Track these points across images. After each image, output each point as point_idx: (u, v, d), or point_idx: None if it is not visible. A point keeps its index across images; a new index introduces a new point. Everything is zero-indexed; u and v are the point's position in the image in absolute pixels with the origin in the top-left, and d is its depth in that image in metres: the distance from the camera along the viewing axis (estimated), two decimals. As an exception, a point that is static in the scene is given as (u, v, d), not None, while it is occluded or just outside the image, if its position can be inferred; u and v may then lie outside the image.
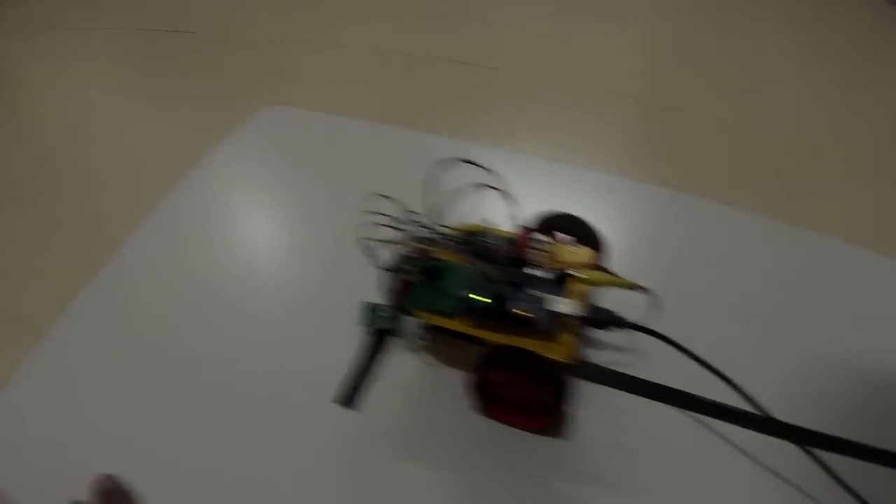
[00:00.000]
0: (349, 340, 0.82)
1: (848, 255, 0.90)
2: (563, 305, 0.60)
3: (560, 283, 0.62)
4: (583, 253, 0.65)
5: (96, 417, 0.81)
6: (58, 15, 1.85)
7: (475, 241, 0.64)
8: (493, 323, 0.61)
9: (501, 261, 0.62)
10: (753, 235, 0.90)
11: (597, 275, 0.64)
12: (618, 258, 0.76)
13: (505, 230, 0.66)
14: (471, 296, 0.61)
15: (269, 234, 1.00)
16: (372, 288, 0.81)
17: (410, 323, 0.75)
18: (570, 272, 0.62)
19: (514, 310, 0.60)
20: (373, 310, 0.75)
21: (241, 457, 0.75)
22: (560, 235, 0.69)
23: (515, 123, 1.22)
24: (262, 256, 0.98)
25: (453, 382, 0.73)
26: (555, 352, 0.59)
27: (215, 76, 1.42)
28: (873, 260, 0.89)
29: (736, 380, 0.62)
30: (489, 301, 0.61)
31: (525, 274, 0.62)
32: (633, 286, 0.63)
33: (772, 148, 1.16)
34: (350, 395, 0.71)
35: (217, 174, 1.11)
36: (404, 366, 0.75)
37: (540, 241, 0.64)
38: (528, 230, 0.64)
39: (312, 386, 0.77)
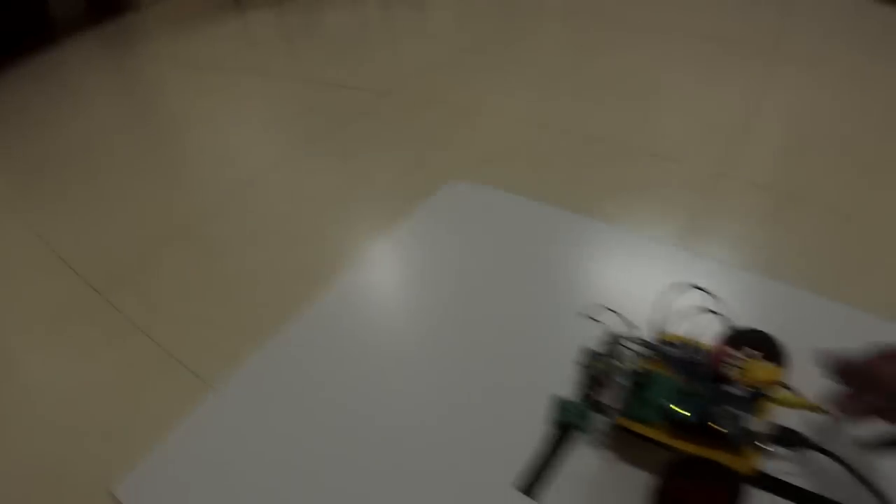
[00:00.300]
0: (532, 428, 0.85)
1: None
2: (757, 424, 0.65)
3: (752, 401, 0.66)
4: (771, 370, 0.68)
5: (259, 479, 0.81)
6: (243, 58, 1.97)
7: (679, 355, 0.69)
8: (688, 434, 0.66)
9: (701, 374, 0.67)
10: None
11: (787, 397, 0.69)
12: (798, 374, 0.77)
13: (702, 342, 0.72)
14: (672, 407, 0.67)
15: (453, 311, 1.03)
16: (556, 376, 0.85)
17: (597, 420, 0.79)
18: (763, 392, 0.66)
19: (711, 424, 0.64)
20: (564, 405, 0.79)
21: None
22: (748, 349, 0.72)
23: (695, 219, 1.25)
24: (445, 330, 1.00)
25: (633, 483, 0.75)
26: (740, 465, 0.63)
27: (401, 143, 1.49)
28: None
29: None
30: (689, 415, 0.66)
31: (722, 390, 0.67)
32: (817, 409, 0.67)
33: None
34: (532, 484, 0.74)
35: (404, 245, 1.16)
36: (587, 461, 0.77)
37: (734, 357, 0.68)
38: (724, 346, 0.69)
39: (493, 469, 0.78)
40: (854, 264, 1.12)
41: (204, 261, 1.21)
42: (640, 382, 0.71)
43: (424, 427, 0.86)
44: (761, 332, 0.78)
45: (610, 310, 0.78)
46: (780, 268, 1.10)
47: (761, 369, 0.68)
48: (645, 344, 0.73)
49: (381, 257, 1.12)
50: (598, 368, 0.76)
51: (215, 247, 1.23)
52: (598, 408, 0.77)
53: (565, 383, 0.85)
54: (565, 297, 1.02)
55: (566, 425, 0.79)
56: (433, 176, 1.35)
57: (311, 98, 1.71)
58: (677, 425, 0.67)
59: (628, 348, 0.75)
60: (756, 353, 0.72)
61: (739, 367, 0.68)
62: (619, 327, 0.78)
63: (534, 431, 0.83)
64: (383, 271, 1.10)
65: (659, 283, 0.95)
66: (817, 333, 0.86)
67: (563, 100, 1.61)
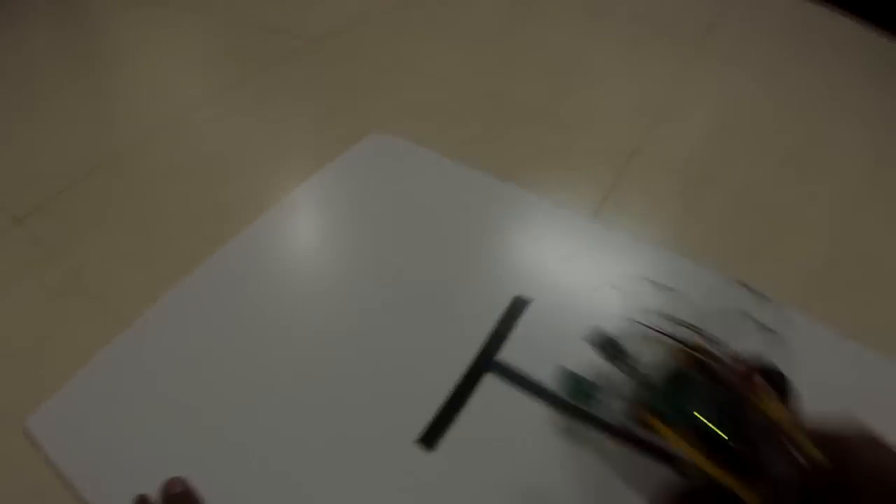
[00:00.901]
0: (439, 383, 0.82)
1: None
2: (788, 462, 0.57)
3: (776, 437, 0.59)
4: (790, 414, 0.62)
5: (169, 414, 0.81)
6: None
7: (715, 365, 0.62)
8: (710, 452, 0.58)
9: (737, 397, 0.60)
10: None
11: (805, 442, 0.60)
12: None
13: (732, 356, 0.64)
14: (707, 423, 0.59)
15: (362, 262, 1.02)
16: (460, 334, 0.82)
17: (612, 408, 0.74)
18: (787, 434, 0.59)
19: (740, 449, 0.57)
20: (577, 382, 0.75)
21: (309, 467, 0.75)
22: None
23: (606, 193, 1.27)
24: (354, 280, 0.99)
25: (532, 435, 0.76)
26: (752, 498, 0.56)
27: (327, 90, 1.47)
28: None
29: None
30: (720, 432, 0.58)
31: (762, 422, 0.59)
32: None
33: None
34: (432, 435, 0.70)
35: (319, 194, 1.13)
36: (489, 414, 0.79)
37: (762, 388, 0.62)
38: (754, 371, 0.62)
39: (397, 422, 0.79)
40: (755, 248, 1.14)
41: (125, 195, 1.18)
42: (676, 380, 0.63)
43: (331, 375, 0.86)
44: (782, 373, 0.70)
45: (666, 288, 0.73)
46: (683, 245, 1.11)
47: (781, 409, 0.61)
48: (693, 334, 0.65)
49: (296, 204, 1.09)
50: (627, 349, 0.69)
51: (137, 181, 1.21)
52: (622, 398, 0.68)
53: (469, 342, 0.83)
54: (476, 259, 1.01)
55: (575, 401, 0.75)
56: (355, 126, 1.34)
57: (245, 39, 1.68)
58: (706, 438, 0.58)
59: (671, 336, 0.66)
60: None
61: (765, 400, 0.61)
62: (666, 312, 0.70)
63: (440, 386, 0.82)
64: (297, 219, 1.07)
65: (567, 254, 0.98)
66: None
67: (491, 64, 1.60)
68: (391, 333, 0.88)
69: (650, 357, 0.66)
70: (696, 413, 0.59)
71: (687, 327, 0.66)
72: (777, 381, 0.66)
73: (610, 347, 0.72)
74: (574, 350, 0.80)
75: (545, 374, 0.82)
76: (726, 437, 0.57)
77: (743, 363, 0.63)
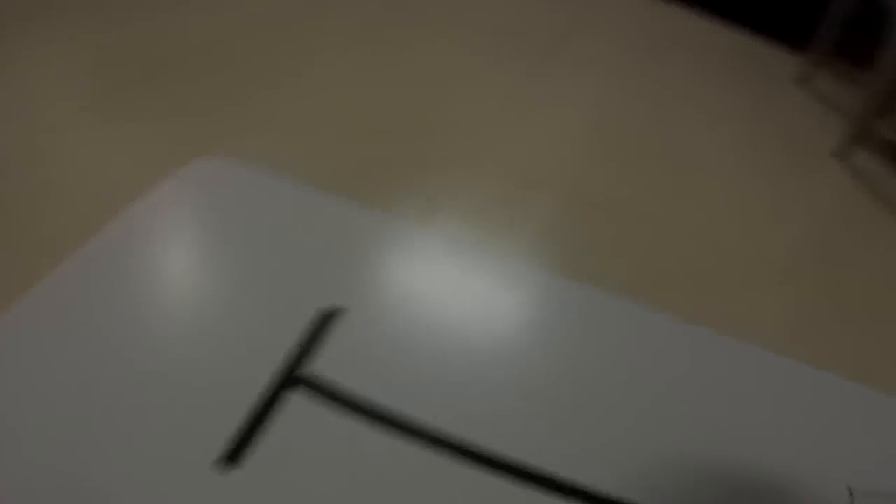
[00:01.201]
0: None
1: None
2: None
3: None
4: None
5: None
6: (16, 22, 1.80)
7: None
8: None
9: None
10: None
11: None
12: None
13: None
14: None
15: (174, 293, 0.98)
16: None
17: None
18: None
19: None
20: None
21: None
22: None
23: (435, 198, 1.28)
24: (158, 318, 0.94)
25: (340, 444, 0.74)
26: None
27: (174, 109, 1.42)
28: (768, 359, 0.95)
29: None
30: None
31: None
32: None
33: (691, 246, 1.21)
34: (236, 451, 0.70)
35: (137, 227, 1.08)
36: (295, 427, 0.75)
37: None
38: None
39: (198, 442, 0.75)
40: (587, 246, 1.19)
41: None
42: None
43: (128, 403, 0.81)
44: None
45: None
46: (510, 245, 1.15)
47: None
48: None
49: (114, 235, 1.05)
50: None
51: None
52: None
53: (276, 358, 0.82)
54: (284, 273, 0.96)
55: None
56: (197, 146, 1.30)
57: (111, 53, 1.61)
58: None
59: None
60: None
61: None
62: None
63: (244, 404, 0.79)
64: (111, 253, 1.03)
65: (382, 263, 0.97)
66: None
67: (356, 77, 1.60)
68: (191, 356, 0.86)
69: None
70: None
71: None
72: None
73: None
74: (386, 360, 0.80)
75: (358, 387, 0.79)
76: None
77: None
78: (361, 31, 1.89)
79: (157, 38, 1.64)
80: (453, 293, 0.93)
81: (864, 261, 1.43)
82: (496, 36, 1.96)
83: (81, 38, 1.64)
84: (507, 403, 0.79)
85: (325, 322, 0.88)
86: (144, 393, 0.83)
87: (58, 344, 0.90)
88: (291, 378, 0.81)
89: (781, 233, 1.43)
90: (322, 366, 0.82)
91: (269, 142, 1.30)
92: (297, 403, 0.78)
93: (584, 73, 1.86)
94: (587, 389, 0.85)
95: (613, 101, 1.75)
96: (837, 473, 0.79)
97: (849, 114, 1.99)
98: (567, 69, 1.86)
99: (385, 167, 1.28)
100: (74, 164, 1.23)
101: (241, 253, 1.01)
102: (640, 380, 0.87)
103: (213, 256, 1.04)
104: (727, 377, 0.92)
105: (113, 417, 0.80)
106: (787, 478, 0.79)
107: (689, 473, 0.78)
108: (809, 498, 0.76)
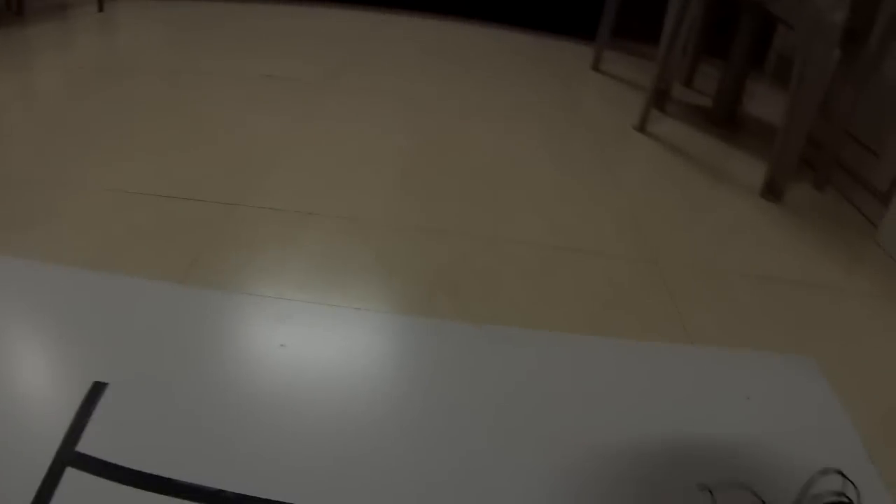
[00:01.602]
0: None
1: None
2: None
3: None
4: None
5: None
6: None
7: None
8: None
9: None
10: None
11: None
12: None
13: None
14: None
15: None
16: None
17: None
18: None
19: None
20: None
21: None
22: None
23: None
24: None
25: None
26: None
27: None
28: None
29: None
30: None
31: None
32: None
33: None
34: None
35: None
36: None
37: None
38: None
39: None
40: (359, 269, 1.12)
41: None
42: None
43: None
44: None
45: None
46: (281, 285, 1.06)
47: None
48: None
49: None
50: None
51: None
52: None
53: (49, 437, 0.76)
54: (50, 351, 0.91)
55: None
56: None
57: None
58: None
59: None
60: None
61: None
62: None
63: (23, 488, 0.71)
64: None
65: (146, 327, 0.94)
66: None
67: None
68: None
69: None
70: None
71: None
72: None
73: None
74: (154, 427, 0.78)
75: (130, 458, 0.75)
76: None
77: None
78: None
79: None
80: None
81: (683, 220, 1.41)
82: (267, 84, 1.85)
83: None
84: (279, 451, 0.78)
85: (95, 394, 0.83)
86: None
87: None
88: (69, 455, 0.75)
89: (601, 210, 1.39)
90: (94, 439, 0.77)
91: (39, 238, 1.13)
92: (73, 480, 0.73)
93: (354, 101, 1.79)
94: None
95: (414, 124, 1.71)
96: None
97: (643, 88, 1.98)
98: (331, 104, 1.77)
99: (124, 240, 1.14)
100: None
101: (17, 338, 0.93)
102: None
103: None
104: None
105: None
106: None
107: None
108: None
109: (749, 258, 1.26)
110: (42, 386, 0.85)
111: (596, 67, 2.33)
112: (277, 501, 0.71)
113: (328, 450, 0.78)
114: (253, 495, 0.72)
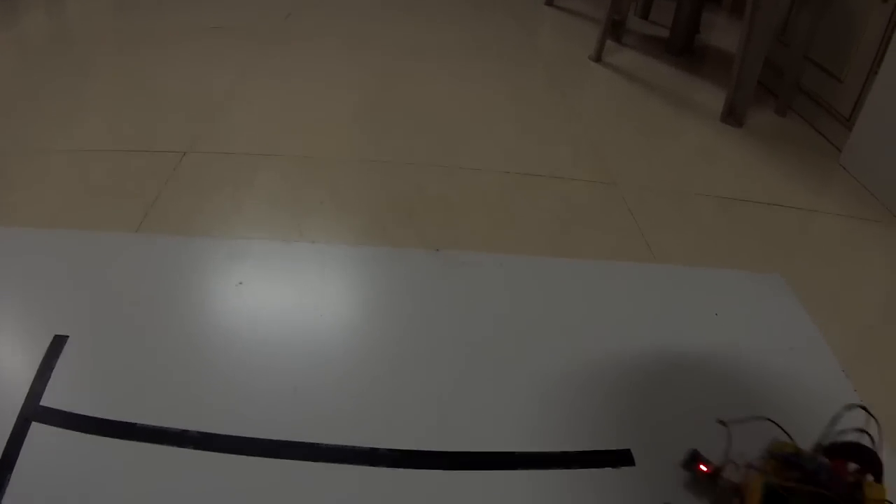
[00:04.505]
0: None
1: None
2: None
3: None
4: (882, 489, 0.62)
5: None
6: None
7: (812, 469, 0.61)
8: None
9: (839, 495, 0.59)
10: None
11: None
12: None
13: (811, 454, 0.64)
14: None
15: None
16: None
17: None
18: None
19: None
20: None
21: None
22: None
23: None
24: None
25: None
26: None
27: None
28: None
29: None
30: None
31: None
32: None
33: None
34: None
35: None
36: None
37: (855, 475, 0.61)
38: (843, 462, 0.62)
39: None
40: (312, 207, 1.07)
41: None
42: (775, 499, 0.60)
43: None
44: (859, 444, 0.67)
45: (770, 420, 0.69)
46: (238, 227, 1.02)
47: (875, 488, 0.61)
48: (776, 455, 0.63)
49: None
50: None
51: None
52: None
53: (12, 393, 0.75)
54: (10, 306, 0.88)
55: None
56: None
57: None
58: None
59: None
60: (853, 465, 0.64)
61: (860, 486, 0.60)
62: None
63: None
64: None
65: (100, 278, 0.91)
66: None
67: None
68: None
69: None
70: None
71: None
72: (867, 458, 0.66)
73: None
74: (117, 376, 0.77)
75: (94, 408, 0.74)
76: None
77: (837, 460, 0.63)
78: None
79: None
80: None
81: (643, 145, 1.36)
82: (217, 37, 1.77)
83: None
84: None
85: (56, 349, 0.82)
86: None
87: None
88: (33, 410, 0.74)
89: (558, 138, 1.35)
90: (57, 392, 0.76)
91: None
92: (40, 434, 0.72)
93: (309, 46, 1.72)
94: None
95: (367, 64, 1.66)
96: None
97: (598, 21, 1.92)
98: (283, 50, 1.71)
99: (75, 196, 1.09)
100: None
101: None
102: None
103: None
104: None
105: None
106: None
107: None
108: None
109: (712, 181, 1.21)
110: (3, 343, 0.83)
111: (549, 2, 2.26)
112: (241, 437, 0.70)
113: (290, 383, 0.76)
114: (218, 433, 0.70)
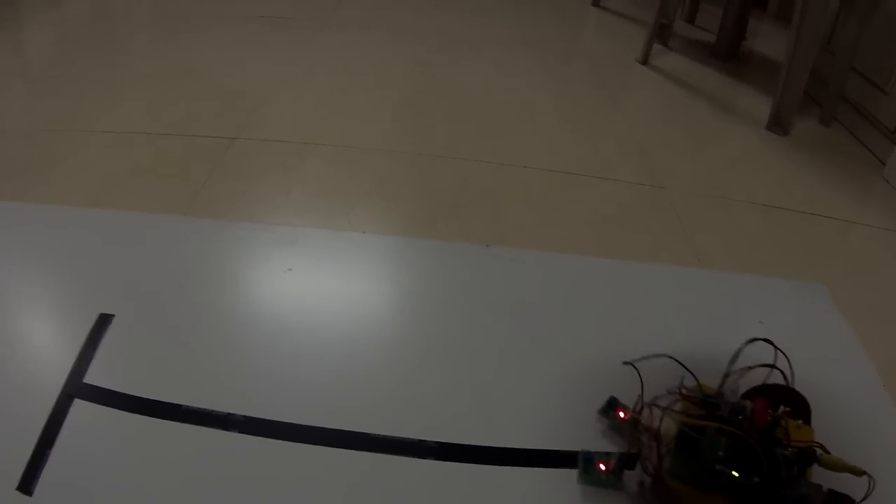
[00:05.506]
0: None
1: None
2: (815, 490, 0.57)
3: (804, 464, 0.59)
4: (809, 431, 0.63)
5: None
6: None
7: (728, 410, 0.61)
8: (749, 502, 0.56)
9: (754, 434, 0.58)
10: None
11: (833, 459, 0.60)
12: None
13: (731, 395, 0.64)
14: (735, 473, 0.57)
15: None
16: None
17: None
18: (811, 455, 0.59)
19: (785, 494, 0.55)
20: (589, 462, 0.66)
21: None
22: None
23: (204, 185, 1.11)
24: None
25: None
26: None
27: None
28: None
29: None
30: (756, 480, 0.56)
31: (777, 454, 0.58)
32: (859, 471, 0.59)
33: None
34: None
35: None
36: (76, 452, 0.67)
37: (775, 416, 0.61)
38: (765, 403, 0.61)
39: None
40: (356, 198, 1.09)
41: None
42: (688, 441, 0.60)
43: None
44: (789, 388, 0.69)
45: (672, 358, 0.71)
46: (282, 214, 1.04)
47: (800, 429, 0.62)
48: (691, 397, 0.64)
49: None
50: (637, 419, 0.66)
51: None
52: (633, 464, 0.64)
53: (56, 369, 0.76)
54: (59, 285, 0.88)
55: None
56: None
57: None
58: (736, 491, 0.56)
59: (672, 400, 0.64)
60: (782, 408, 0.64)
61: (782, 427, 0.60)
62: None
63: (32, 421, 0.70)
64: None
65: (150, 260, 0.92)
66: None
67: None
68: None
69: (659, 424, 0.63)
70: (717, 467, 0.57)
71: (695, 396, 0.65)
72: (794, 399, 0.68)
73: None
74: (162, 356, 0.78)
75: (138, 387, 0.74)
76: (756, 480, 0.56)
77: (759, 400, 0.62)
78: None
79: None
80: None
81: (689, 149, 1.37)
82: (260, 24, 1.81)
83: None
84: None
85: (101, 327, 0.82)
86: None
87: None
88: (76, 387, 0.75)
89: (605, 138, 1.36)
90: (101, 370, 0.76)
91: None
92: (82, 411, 0.72)
93: (354, 35, 1.75)
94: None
95: (412, 57, 1.68)
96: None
97: (644, 23, 1.94)
98: (333, 37, 1.73)
99: (123, 180, 1.11)
100: None
101: (25, 277, 0.90)
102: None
103: (1, 283, 0.89)
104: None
105: None
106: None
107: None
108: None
109: (756, 188, 1.23)
110: (48, 321, 0.84)
111: (596, 3, 2.27)
112: (287, 423, 0.70)
113: (337, 371, 0.77)
114: (263, 417, 0.71)
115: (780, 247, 1.07)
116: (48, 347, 0.80)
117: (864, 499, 0.58)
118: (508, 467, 0.67)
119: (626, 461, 0.64)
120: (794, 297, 0.96)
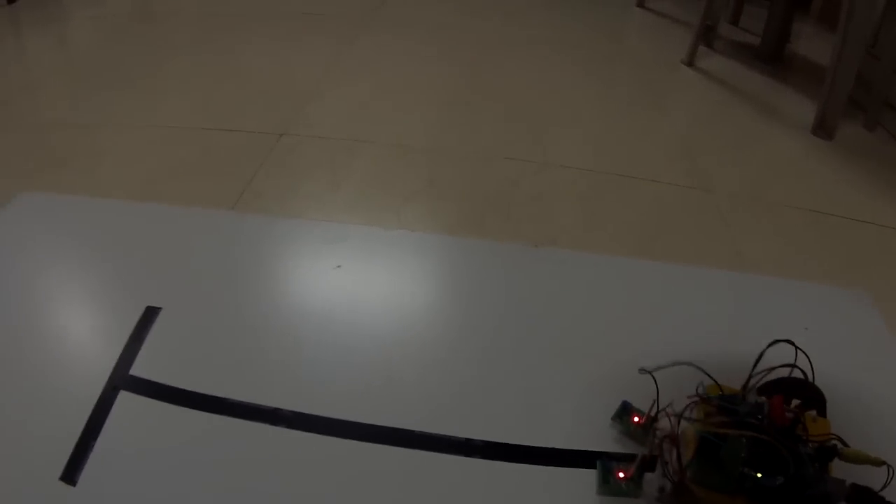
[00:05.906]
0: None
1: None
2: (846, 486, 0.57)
3: (825, 459, 0.59)
4: (826, 423, 0.63)
5: None
6: None
7: (745, 411, 0.60)
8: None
9: (775, 435, 0.58)
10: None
11: (854, 452, 0.61)
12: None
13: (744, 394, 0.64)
14: (759, 475, 0.57)
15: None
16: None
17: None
18: (831, 449, 0.59)
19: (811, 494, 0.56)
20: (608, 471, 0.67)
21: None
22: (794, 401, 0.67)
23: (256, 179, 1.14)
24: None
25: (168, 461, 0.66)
26: None
27: None
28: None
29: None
30: (781, 480, 0.57)
31: (799, 451, 0.58)
32: (879, 462, 0.60)
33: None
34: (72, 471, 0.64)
35: None
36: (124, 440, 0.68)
37: (792, 411, 0.61)
38: (780, 400, 0.60)
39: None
40: (406, 195, 1.11)
41: None
42: (710, 446, 0.59)
43: None
44: (802, 380, 0.68)
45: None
46: (330, 211, 1.07)
47: (816, 423, 0.63)
48: (709, 401, 0.63)
49: None
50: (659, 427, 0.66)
51: None
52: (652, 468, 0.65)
53: (102, 360, 0.77)
54: (105, 278, 0.90)
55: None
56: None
57: None
58: (761, 493, 0.57)
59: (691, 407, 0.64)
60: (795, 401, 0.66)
61: (800, 423, 0.60)
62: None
63: (77, 412, 0.71)
64: None
65: (196, 254, 0.94)
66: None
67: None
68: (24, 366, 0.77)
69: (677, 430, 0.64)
70: (741, 470, 0.58)
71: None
72: (808, 392, 0.67)
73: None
74: (208, 350, 0.79)
75: (184, 380, 0.75)
76: (780, 479, 0.57)
77: (774, 398, 0.61)
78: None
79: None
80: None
81: (735, 152, 1.38)
82: (305, 21, 1.84)
83: None
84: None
85: (148, 319, 0.83)
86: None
87: None
88: (122, 378, 0.76)
89: (650, 139, 1.37)
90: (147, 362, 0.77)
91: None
92: (127, 403, 0.73)
93: (396, 34, 1.77)
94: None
95: (456, 55, 1.70)
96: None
97: (689, 25, 1.94)
98: (377, 36, 1.76)
99: (171, 173, 1.14)
100: None
101: (72, 269, 0.92)
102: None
103: (49, 275, 0.91)
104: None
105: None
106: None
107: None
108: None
109: (801, 192, 1.23)
110: (95, 313, 0.85)
111: (640, 4, 2.27)
112: (334, 419, 0.71)
113: (385, 368, 0.78)
114: (310, 413, 0.72)
115: (823, 252, 1.08)
116: (94, 339, 0.81)
117: (882, 488, 0.57)
118: (554, 468, 0.68)
119: (646, 465, 0.65)
120: (838, 304, 0.97)
